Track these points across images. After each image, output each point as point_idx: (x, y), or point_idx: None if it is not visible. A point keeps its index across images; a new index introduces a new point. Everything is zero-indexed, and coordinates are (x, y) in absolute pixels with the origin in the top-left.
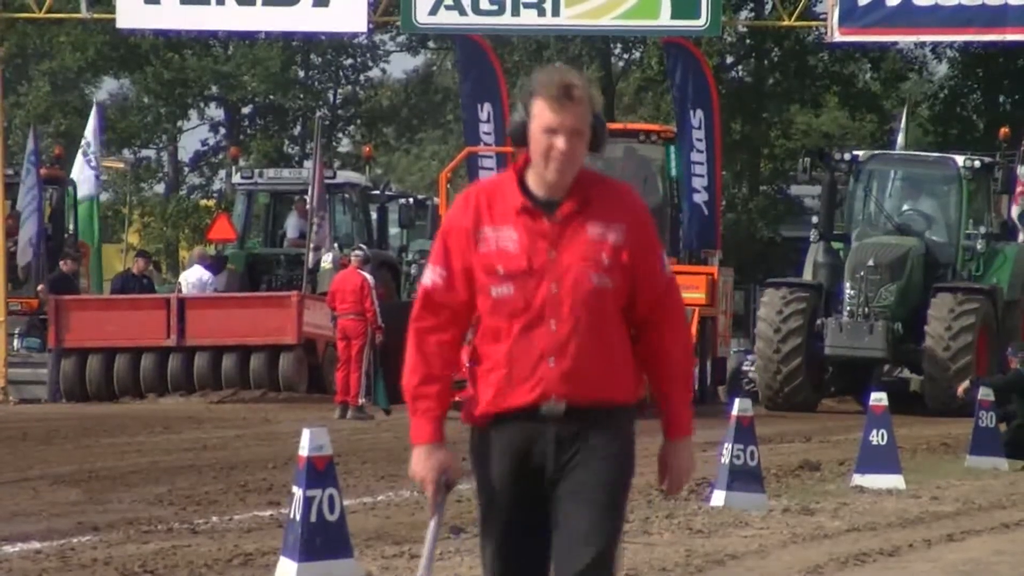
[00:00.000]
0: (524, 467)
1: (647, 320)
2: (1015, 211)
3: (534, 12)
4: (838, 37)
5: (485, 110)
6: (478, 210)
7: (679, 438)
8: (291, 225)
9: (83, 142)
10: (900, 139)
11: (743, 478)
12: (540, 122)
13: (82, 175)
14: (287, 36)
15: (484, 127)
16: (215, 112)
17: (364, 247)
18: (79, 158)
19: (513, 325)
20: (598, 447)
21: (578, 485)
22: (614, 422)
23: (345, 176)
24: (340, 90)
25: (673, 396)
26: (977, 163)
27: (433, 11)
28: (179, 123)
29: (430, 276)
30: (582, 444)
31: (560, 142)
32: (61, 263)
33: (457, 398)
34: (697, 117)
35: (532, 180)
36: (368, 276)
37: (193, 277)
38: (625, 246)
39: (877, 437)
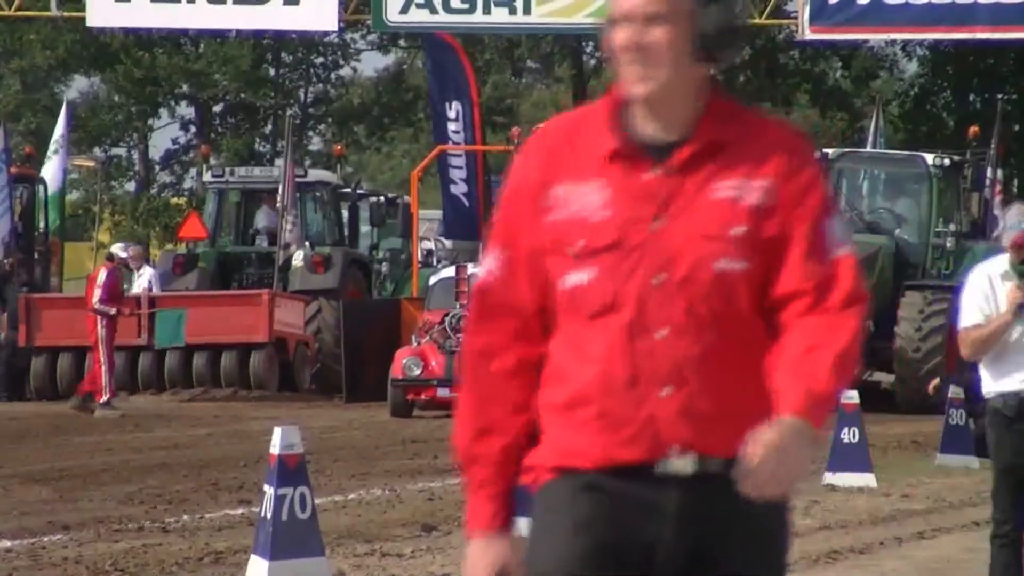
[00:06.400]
0: (620, 554)
1: (791, 320)
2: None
3: (505, 10)
4: (809, 35)
5: (454, 108)
6: (551, 157)
7: (780, 413)
8: (260, 217)
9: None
10: (871, 138)
11: None
12: (608, 10)
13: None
14: (258, 34)
15: (453, 125)
16: (186, 110)
17: (124, 245)
18: (54, 157)
19: (600, 333)
20: (750, 525)
21: None
22: None
23: (316, 174)
24: (311, 88)
25: (784, 374)
26: (947, 161)
27: (404, 9)
28: (150, 121)
29: (484, 266)
30: (721, 522)
31: (622, 33)
32: (4, 260)
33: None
34: None
35: (636, 115)
36: (105, 272)
37: (148, 274)
38: (773, 211)
39: (848, 435)
